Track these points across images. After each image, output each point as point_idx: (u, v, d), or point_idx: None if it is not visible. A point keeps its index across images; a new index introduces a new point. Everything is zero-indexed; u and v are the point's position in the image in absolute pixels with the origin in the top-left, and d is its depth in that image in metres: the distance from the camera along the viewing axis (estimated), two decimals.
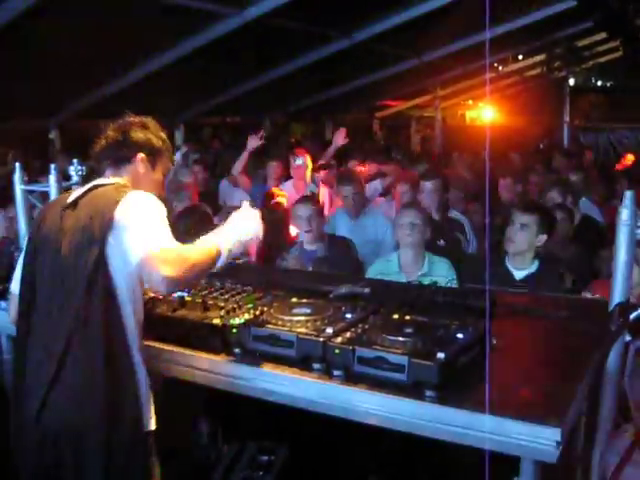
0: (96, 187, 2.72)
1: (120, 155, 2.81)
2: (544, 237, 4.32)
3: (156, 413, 2.64)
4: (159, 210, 2.58)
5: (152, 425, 2.62)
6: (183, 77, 8.49)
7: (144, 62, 7.66)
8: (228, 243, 2.59)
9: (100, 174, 2.85)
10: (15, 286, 2.80)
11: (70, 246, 2.54)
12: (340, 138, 7.95)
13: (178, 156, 8.02)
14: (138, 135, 2.83)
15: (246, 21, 6.93)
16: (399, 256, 4.67)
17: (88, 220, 2.54)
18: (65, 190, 3.58)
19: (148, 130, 2.87)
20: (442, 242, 5.33)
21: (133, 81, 7.94)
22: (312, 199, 5.59)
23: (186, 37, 7.28)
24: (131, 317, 2.57)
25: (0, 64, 6.19)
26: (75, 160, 3.74)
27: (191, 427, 3.68)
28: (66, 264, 2.53)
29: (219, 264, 2.56)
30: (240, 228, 2.69)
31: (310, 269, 4.60)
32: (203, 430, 3.70)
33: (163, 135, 2.93)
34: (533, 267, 4.33)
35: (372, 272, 4.69)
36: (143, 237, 2.45)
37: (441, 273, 4.46)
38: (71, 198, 2.72)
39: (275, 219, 5.73)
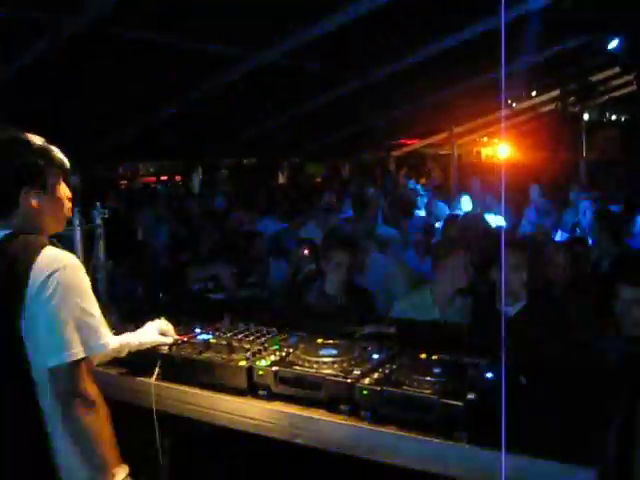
0: None
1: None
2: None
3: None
4: (80, 291, 2.19)
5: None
6: (200, 120, 8.59)
7: (161, 106, 7.78)
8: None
9: None
10: None
11: None
12: None
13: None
14: (12, 165, 2.15)
15: (261, 64, 7.03)
16: (433, 289, 4.32)
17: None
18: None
19: (19, 153, 2.17)
20: None
21: (151, 125, 8.05)
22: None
23: (202, 80, 7.38)
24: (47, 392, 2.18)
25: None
26: (98, 203, 3.93)
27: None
28: None
29: None
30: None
31: None
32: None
33: (39, 146, 2.23)
34: (522, 301, 4.07)
35: (403, 304, 4.39)
36: (56, 339, 2.11)
37: None
38: None
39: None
